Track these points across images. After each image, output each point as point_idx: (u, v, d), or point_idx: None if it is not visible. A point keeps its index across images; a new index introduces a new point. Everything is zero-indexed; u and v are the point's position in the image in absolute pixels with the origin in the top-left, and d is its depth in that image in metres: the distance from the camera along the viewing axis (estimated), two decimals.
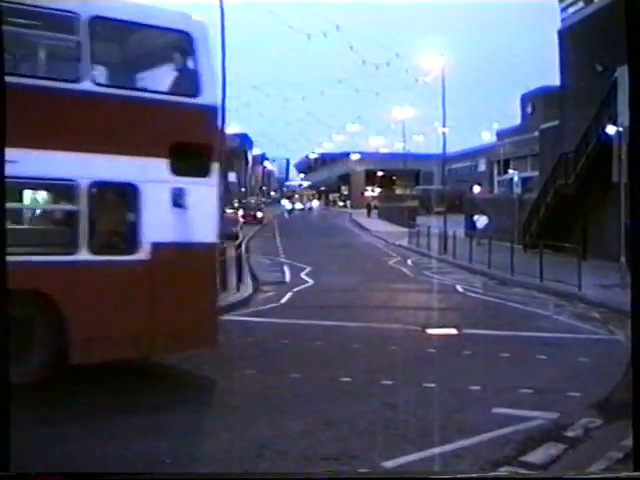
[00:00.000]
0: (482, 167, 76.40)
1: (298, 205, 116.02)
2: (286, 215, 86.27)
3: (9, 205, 9.05)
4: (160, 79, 12.08)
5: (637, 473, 3.45)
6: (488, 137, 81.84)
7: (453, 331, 16.38)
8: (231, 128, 62.21)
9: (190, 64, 11.85)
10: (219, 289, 19.91)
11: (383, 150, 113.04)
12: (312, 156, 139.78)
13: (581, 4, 35.76)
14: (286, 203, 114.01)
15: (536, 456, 7.92)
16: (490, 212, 40.37)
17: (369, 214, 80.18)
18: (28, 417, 8.11)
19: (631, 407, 3.71)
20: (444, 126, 44.30)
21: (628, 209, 4.10)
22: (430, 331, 16.30)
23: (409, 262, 33.92)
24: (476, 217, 40.00)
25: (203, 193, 11.66)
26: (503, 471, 7.49)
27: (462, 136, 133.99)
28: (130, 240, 11.05)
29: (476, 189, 64.28)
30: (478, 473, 7.34)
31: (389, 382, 11.20)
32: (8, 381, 3.80)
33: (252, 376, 11.67)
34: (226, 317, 17.98)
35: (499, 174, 64.11)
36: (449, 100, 41.09)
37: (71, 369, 10.36)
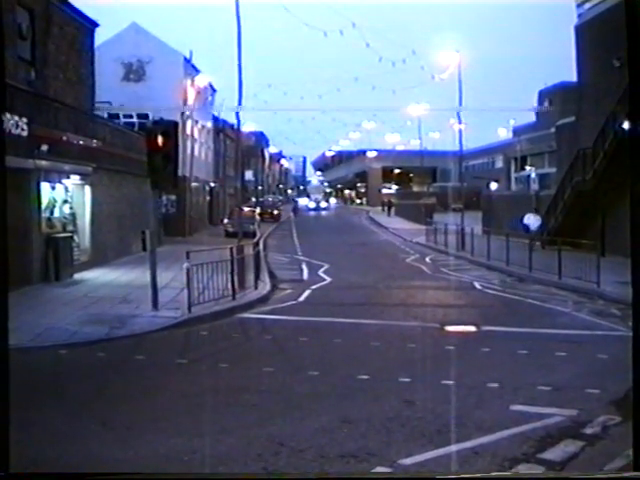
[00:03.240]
0: (499, 164, 76.13)
1: (323, 204, 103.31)
2: (291, 214, 75.03)
3: None
4: None
5: (637, 473, 3.43)
6: (505, 134, 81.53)
7: (471, 328, 16.37)
8: (247, 126, 62.36)
9: None
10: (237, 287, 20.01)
11: (400, 147, 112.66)
12: (329, 154, 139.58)
13: None
14: (307, 201, 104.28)
15: (554, 453, 7.90)
16: (507, 209, 40.17)
17: (389, 213, 79.08)
18: (27, 417, 8.18)
19: (632, 407, 3.71)
20: (460, 123, 44.10)
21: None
22: (448, 328, 16.28)
23: (427, 259, 33.85)
24: (527, 217, 34.83)
25: None
26: (520, 469, 7.48)
27: (479, 133, 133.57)
28: None
29: (493, 186, 64.06)
30: (479, 473, 7.32)
31: (407, 379, 11.20)
32: (8, 381, 3.82)
33: (270, 373, 11.69)
34: (244, 315, 18.10)
35: (516, 171, 63.91)
36: (465, 97, 41.03)
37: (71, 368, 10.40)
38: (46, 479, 4.03)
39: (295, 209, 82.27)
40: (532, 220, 34.58)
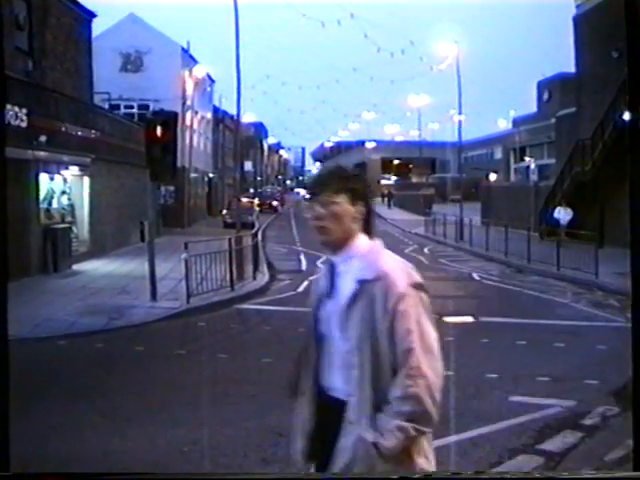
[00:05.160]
0: (498, 155, 75.97)
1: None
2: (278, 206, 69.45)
3: None
4: None
5: (637, 473, 3.42)
6: (504, 124, 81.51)
7: (470, 319, 16.36)
8: (246, 117, 62.22)
9: None
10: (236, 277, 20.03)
11: (399, 138, 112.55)
12: (327, 144, 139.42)
13: None
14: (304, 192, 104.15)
15: (553, 444, 7.90)
16: (506, 199, 40.12)
17: (389, 204, 77.89)
18: (25, 409, 8.17)
19: (632, 406, 3.69)
20: (460, 114, 44.09)
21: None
22: (447, 319, 16.26)
23: (425, 250, 33.82)
24: (557, 210, 32.88)
25: None
26: (519, 459, 7.48)
27: (478, 124, 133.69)
28: None
29: (492, 177, 64.01)
30: (471, 472, 7.32)
31: None
32: (8, 381, 3.81)
33: (269, 364, 11.68)
34: (243, 306, 18.11)
35: (515, 162, 63.83)
36: (464, 87, 40.93)
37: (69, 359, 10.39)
38: (48, 479, 4.00)
39: (281, 199, 76.40)
40: (562, 214, 32.53)
